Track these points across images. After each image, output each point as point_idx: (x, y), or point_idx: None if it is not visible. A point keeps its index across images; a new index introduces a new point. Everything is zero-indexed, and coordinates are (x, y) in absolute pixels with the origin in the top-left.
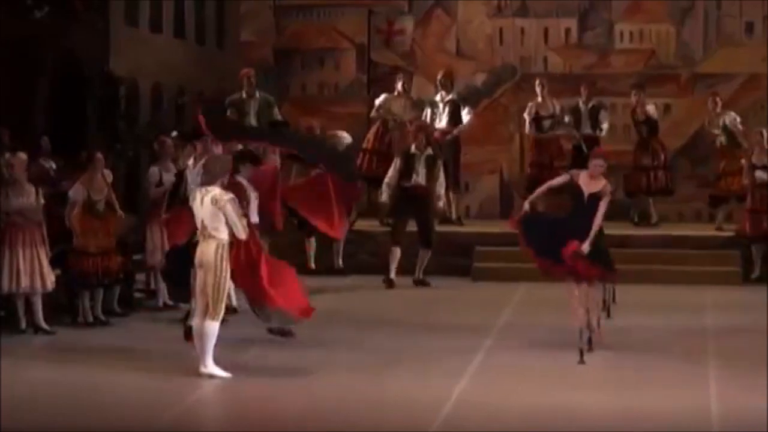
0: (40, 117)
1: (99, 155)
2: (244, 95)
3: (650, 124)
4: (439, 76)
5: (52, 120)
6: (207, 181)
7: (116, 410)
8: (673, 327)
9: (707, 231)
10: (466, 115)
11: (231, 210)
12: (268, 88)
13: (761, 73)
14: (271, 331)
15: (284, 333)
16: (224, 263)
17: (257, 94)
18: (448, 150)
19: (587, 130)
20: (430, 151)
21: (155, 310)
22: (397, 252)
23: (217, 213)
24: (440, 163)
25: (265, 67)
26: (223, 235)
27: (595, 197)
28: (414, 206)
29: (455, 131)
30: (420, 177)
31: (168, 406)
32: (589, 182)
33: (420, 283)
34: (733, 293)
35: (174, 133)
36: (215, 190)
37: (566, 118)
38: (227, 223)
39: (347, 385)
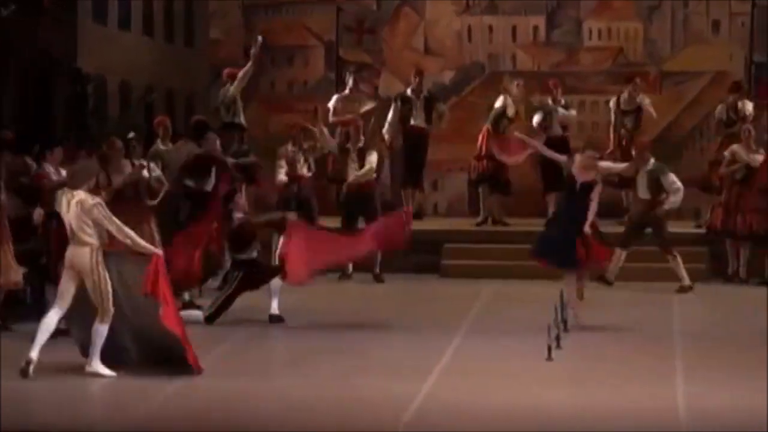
0: (8, 114)
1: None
2: (233, 90)
3: (638, 115)
4: (413, 74)
5: (20, 118)
6: (73, 184)
7: (84, 409)
8: (640, 323)
9: (674, 228)
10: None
11: (99, 214)
12: None
13: (728, 71)
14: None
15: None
16: (100, 267)
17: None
18: (416, 147)
19: (560, 131)
20: (361, 144)
21: None
22: None
23: (82, 217)
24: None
25: (234, 65)
26: (93, 239)
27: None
28: (359, 203)
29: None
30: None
31: (137, 403)
32: (581, 172)
33: (378, 278)
34: (699, 290)
35: (131, 134)
36: (81, 194)
37: (536, 117)
38: (95, 227)
39: (314, 383)
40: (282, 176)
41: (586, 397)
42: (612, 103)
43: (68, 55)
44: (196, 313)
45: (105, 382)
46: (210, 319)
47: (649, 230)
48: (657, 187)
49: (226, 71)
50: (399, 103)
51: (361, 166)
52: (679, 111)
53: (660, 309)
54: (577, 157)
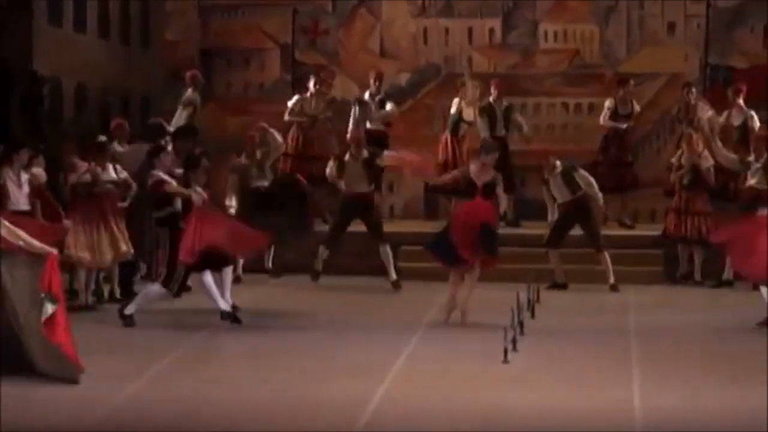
0: None
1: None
2: (191, 93)
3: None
4: (372, 77)
5: None
6: None
7: (35, 411)
8: (596, 326)
9: (630, 231)
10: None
11: None
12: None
13: (683, 72)
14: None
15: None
16: None
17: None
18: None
19: (502, 131)
20: (365, 154)
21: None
22: (324, 251)
23: None
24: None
25: (190, 66)
26: None
27: (490, 185)
28: (360, 211)
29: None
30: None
31: (93, 407)
32: (479, 174)
33: (396, 285)
34: (655, 292)
35: (102, 138)
36: None
37: (479, 120)
38: None
39: (272, 384)
40: (232, 202)
41: (542, 400)
42: (608, 105)
43: (23, 57)
44: (157, 289)
45: (53, 388)
46: (178, 294)
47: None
48: (574, 184)
49: (189, 74)
50: (357, 107)
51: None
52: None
53: (616, 310)
54: (473, 165)
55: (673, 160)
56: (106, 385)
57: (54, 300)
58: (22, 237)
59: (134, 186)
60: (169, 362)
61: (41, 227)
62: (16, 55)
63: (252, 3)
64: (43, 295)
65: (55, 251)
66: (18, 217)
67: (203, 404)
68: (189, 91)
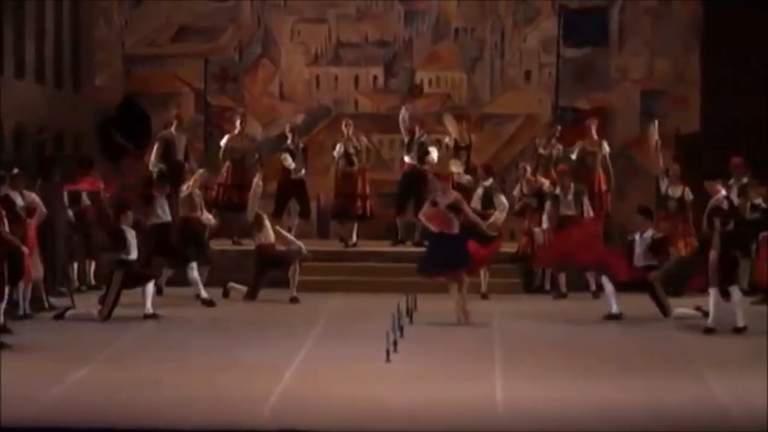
0: None
1: None
2: (174, 132)
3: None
4: (287, 130)
5: None
6: None
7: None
8: (465, 329)
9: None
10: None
11: None
12: None
13: (538, 113)
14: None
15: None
16: None
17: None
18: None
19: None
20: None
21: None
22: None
23: None
24: None
25: (115, 107)
26: None
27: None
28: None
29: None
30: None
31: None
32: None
33: (294, 300)
34: (514, 301)
35: (15, 170)
36: None
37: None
38: None
39: (187, 383)
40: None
41: (419, 393)
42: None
43: None
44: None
45: None
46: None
47: None
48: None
49: (174, 113)
50: (288, 154)
51: None
52: (498, 147)
53: (482, 316)
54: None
55: (515, 193)
56: (34, 385)
57: None
58: None
59: (42, 209)
60: (95, 363)
61: None
62: None
63: (169, 54)
64: None
65: None
66: None
67: (126, 403)
68: (170, 130)
